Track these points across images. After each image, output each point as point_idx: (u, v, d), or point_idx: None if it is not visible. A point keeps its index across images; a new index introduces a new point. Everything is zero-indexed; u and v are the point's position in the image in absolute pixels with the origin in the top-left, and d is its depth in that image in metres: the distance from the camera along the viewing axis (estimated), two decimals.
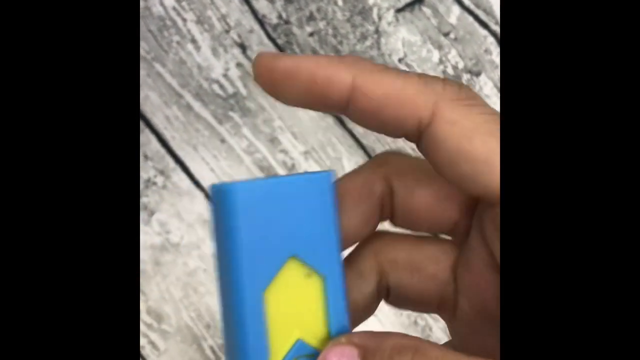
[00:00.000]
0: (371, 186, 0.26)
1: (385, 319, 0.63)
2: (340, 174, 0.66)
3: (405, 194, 0.26)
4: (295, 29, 0.67)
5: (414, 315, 0.63)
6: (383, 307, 0.62)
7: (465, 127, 0.22)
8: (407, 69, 0.66)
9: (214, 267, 0.25)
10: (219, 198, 0.25)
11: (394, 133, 0.24)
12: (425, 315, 0.63)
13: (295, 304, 0.26)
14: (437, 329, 0.63)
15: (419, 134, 0.23)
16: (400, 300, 0.27)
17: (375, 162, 0.27)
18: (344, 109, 0.23)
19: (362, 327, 0.26)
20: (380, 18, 0.67)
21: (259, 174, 0.64)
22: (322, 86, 0.23)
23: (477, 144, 0.22)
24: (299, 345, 0.25)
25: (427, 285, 0.26)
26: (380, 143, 0.65)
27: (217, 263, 0.26)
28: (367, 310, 0.27)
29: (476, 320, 0.25)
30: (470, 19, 0.67)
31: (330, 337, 0.26)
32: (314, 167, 0.64)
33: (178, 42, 0.66)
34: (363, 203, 0.26)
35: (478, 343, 0.26)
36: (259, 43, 0.66)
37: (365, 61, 0.23)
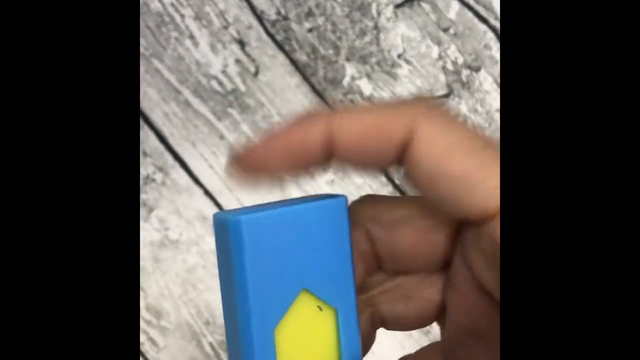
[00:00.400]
0: (357, 247, 0.25)
1: None
2: (338, 170, 0.65)
3: (385, 240, 0.25)
4: (294, 25, 0.66)
5: None
6: None
7: (443, 145, 0.22)
8: (407, 65, 0.66)
9: (220, 293, 0.24)
10: (223, 229, 0.24)
11: (381, 163, 0.23)
12: None
13: (307, 338, 0.24)
14: (435, 326, 0.63)
15: (401, 158, 0.23)
16: (398, 326, 0.27)
17: (351, 216, 0.26)
18: (329, 159, 0.23)
19: None
20: (379, 14, 0.67)
21: None
22: (301, 151, 0.23)
23: (455, 162, 0.22)
24: None
25: (421, 311, 0.26)
26: None
27: (222, 292, 0.24)
28: (365, 343, 0.26)
29: (465, 337, 0.25)
30: (470, 14, 0.67)
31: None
32: None
33: (176, 38, 0.66)
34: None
35: (467, 356, 0.26)
36: (257, 39, 0.66)
37: (337, 109, 0.23)
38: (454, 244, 0.25)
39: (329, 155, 0.23)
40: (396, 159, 0.23)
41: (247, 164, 0.23)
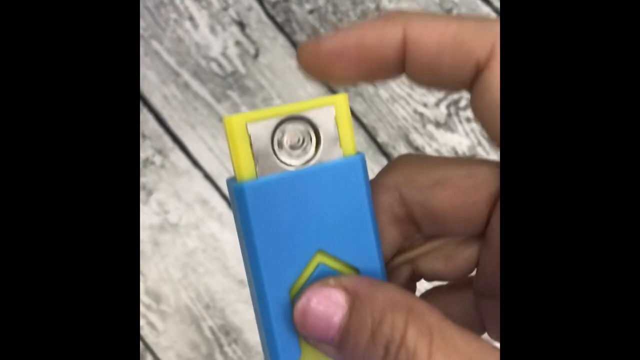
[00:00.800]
0: (390, 212, 0.25)
1: None
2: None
3: (422, 203, 0.24)
4: (294, 7, 0.66)
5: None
6: None
7: None
8: None
9: (243, 261, 0.24)
10: (232, 195, 0.24)
11: (453, 82, 0.22)
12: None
13: None
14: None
15: (474, 81, 0.22)
16: (436, 279, 0.26)
17: (383, 180, 0.25)
18: (400, 69, 0.22)
19: None
20: None
21: None
22: (374, 52, 0.22)
23: None
24: None
25: (460, 268, 0.25)
26: (381, 122, 0.65)
27: (242, 254, 0.24)
28: None
29: (494, 288, 0.25)
30: None
31: None
32: None
33: (175, 20, 0.65)
34: (387, 232, 0.25)
35: (493, 305, 0.25)
36: (257, 21, 0.65)
37: (412, 12, 0.22)
38: (494, 205, 0.24)
39: (401, 64, 0.22)
40: (470, 80, 0.22)
41: (315, 60, 0.23)
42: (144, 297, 0.62)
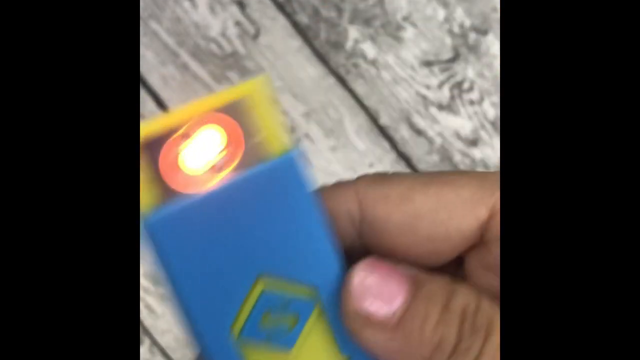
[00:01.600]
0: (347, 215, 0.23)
1: None
2: (342, 136, 0.64)
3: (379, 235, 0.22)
4: None
5: None
6: None
7: None
8: (412, 28, 0.65)
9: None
10: (145, 236, 0.20)
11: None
12: None
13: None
14: None
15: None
16: None
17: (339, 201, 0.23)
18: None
19: None
20: None
21: None
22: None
23: None
24: None
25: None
26: (383, 105, 0.65)
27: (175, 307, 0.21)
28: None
29: None
30: None
31: (342, 353, 0.21)
32: (314, 129, 0.64)
33: (174, 0, 0.65)
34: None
35: None
36: (258, 1, 0.65)
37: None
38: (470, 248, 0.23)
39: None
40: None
41: None
42: (142, 281, 0.62)
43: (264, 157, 0.19)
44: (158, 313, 0.62)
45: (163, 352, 0.62)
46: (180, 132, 0.19)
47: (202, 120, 0.19)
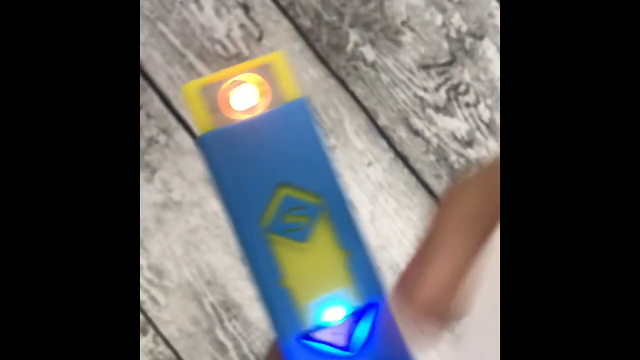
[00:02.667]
0: None
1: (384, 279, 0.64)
2: (341, 136, 0.65)
3: None
4: None
5: None
6: (382, 267, 0.62)
7: None
8: (410, 32, 0.66)
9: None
10: (200, 151, 0.26)
11: None
12: None
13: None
14: None
15: None
16: None
17: None
18: None
19: None
20: None
21: None
22: None
23: None
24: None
25: None
26: (382, 106, 0.65)
27: (222, 205, 0.27)
28: None
29: None
30: None
31: (344, 248, 0.26)
32: None
33: (181, 2, 0.65)
34: None
35: None
36: (261, 4, 0.66)
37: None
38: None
39: None
40: None
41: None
42: (146, 273, 0.63)
43: (284, 101, 0.27)
44: (162, 304, 0.63)
45: (166, 342, 0.62)
46: (229, 82, 0.27)
47: (243, 75, 0.27)
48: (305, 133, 0.26)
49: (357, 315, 0.27)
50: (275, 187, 0.26)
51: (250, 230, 0.26)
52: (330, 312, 0.26)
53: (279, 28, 0.65)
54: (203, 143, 0.26)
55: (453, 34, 0.66)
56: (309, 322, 0.26)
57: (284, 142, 0.26)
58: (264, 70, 0.27)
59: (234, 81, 0.27)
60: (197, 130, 0.26)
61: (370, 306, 0.27)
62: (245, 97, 0.27)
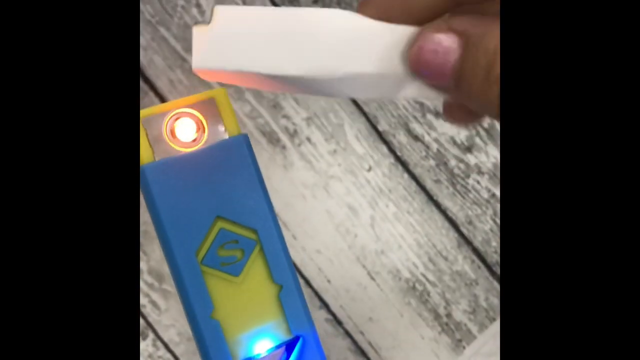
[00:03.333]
0: None
1: (384, 283, 0.64)
2: (342, 141, 0.65)
3: None
4: None
5: (412, 280, 0.64)
6: (381, 271, 0.62)
7: None
8: None
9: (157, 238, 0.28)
10: (140, 181, 0.27)
11: None
12: (424, 280, 0.64)
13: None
14: (434, 293, 0.64)
15: None
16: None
17: None
18: None
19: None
20: None
21: (261, 139, 0.64)
22: None
23: None
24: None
25: None
26: (382, 111, 0.65)
27: (156, 234, 0.27)
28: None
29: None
30: None
31: (275, 282, 0.27)
32: (316, 133, 0.65)
33: (183, 7, 0.66)
34: None
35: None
36: None
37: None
38: None
39: None
40: None
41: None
42: (146, 277, 0.63)
43: (224, 137, 0.27)
44: (162, 309, 0.63)
45: (166, 346, 0.62)
46: (172, 114, 0.28)
47: (183, 110, 0.28)
48: (244, 169, 0.27)
49: (286, 348, 0.27)
50: (213, 220, 0.27)
51: (186, 262, 0.26)
52: (261, 345, 0.27)
53: None
54: (142, 174, 0.26)
55: None
56: (240, 354, 0.27)
57: (222, 177, 0.27)
58: (207, 105, 0.28)
59: (177, 113, 0.27)
60: (140, 161, 0.27)
61: (298, 339, 0.27)
62: (187, 131, 0.27)
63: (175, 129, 0.27)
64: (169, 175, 0.26)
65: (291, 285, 0.27)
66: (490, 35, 0.21)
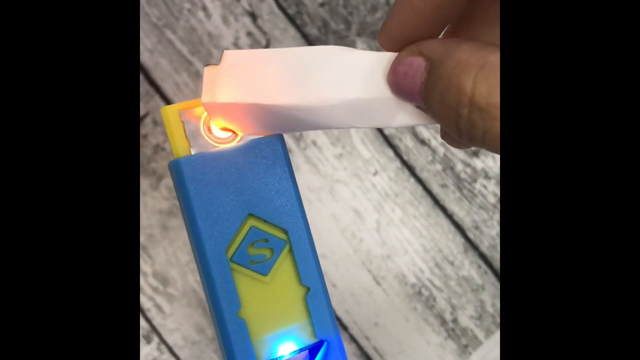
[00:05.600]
0: None
1: (390, 288, 0.64)
2: (348, 144, 0.65)
3: None
4: None
5: (418, 285, 0.64)
6: (387, 276, 0.62)
7: None
8: None
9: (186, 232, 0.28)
10: (172, 174, 0.27)
11: None
12: (429, 285, 0.64)
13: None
14: (440, 298, 0.64)
15: None
16: None
17: None
18: None
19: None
20: None
21: None
22: None
23: None
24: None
25: None
26: None
27: (186, 228, 0.27)
28: None
29: None
30: None
31: (302, 284, 0.27)
32: (321, 137, 0.65)
33: (189, 10, 0.66)
34: None
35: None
36: (269, 12, 0.66)
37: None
38: None
39: None
40: None
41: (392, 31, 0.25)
42: (151, 280, 0.63)
43: (260, 136, 0.27)
44: (166, 312, 0.62)
45: (171, 350, 0.62)
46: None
47: None
48: (277, 168, 0.27)
49: (310, 352, 0.27)
50: (244, 218, 0.27)
51: (216, 258, 0.26)
52: (285, 347, 0.27)
53: (286, 36, 0.66)
54: (177, 167, 0.26)
55: None
56: (264, 355, 0.27)
57: (256, 175, 0.27)
58: None
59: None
60: (175, 154, 0.27)
61: (322, 343, 0.27)
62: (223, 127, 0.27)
63: (212, 125, 0.27)
64: (204, 169, 0.26)
65: (318, 288, 0.27)
66: (449, 60, 0.22)
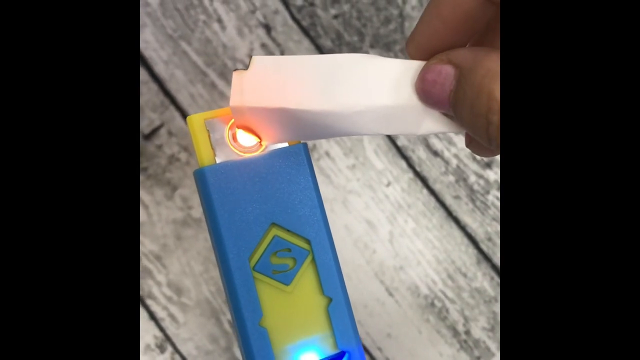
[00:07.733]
0: None
1: (402, 299, 0.64)
2: (361, 155, 0.65)
3: None
4: (319, 11, 0.67)
5: (430, 297, 0.64)
6: (400, 287, 0.62)
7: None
8: None
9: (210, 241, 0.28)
10: (197, 182, 0.27)
11: None
12: (442, 297, 0.64)
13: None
14: (453, 310, 0.64)
15: None
16: None
17: None
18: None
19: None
20: (404, 2, 0.67)
21: None
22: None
23: None
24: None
25: None
26: None
27: (209, 237, 0.27)
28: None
29: None
30: None
31: (325, 295, 0.27)
32: (335, 148, 0.65)
33: (204, 22, 0.66)
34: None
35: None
36: (283, 24, 0.66)
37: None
38: None
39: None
40: None
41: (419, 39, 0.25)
42: (165, 290, 0.63)
43: (284, 145, 0.27)
44: (180, 322, 0.63)
45: None
46: (231, 118, 0.28)
47: None
48: (301, 178, 0.27)
49: None
50: (267, 227, 0.27)
51: (239, 266, 0.26)
52: (306, 357, 0.27)
53: (300, 48, 0.66)
54: (202, 176, 0.27)
55: None
56: None
57: (279, 184, 0.27)
58: None
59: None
60: (199, 162, 0.27)
61: (343, 354, 0.27)
62: (248, 136, 0.28)
63: (237, 134, 0.28)
64: (228, 178, 0.27)
65: (341, 298, 0.27)
66: (479, 68, 0.22)
